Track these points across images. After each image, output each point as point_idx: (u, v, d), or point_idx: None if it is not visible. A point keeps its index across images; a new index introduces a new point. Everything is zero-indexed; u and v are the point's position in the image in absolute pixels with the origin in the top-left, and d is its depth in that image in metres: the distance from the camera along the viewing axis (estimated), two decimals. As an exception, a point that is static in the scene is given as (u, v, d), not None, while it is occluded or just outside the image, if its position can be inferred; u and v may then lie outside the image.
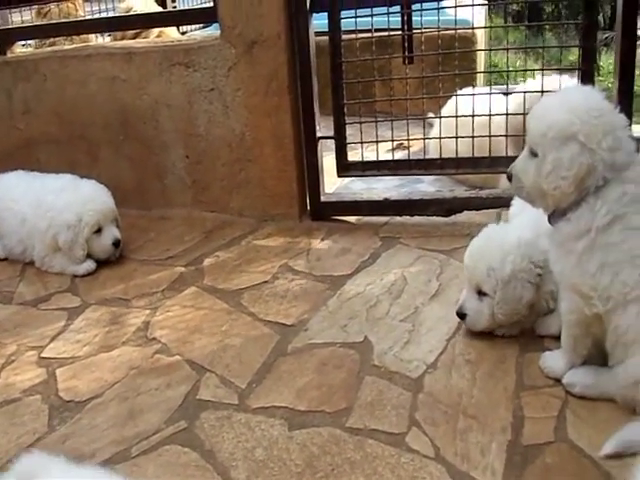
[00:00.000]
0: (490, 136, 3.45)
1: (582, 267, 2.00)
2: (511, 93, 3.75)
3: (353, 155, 3.73)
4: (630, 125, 2.29)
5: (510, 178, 2.22)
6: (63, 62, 4.07)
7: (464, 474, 1.89)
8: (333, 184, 4.00)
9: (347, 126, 3.64)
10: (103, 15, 5.85)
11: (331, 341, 2.58)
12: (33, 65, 4.15)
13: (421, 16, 3.55)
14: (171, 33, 5.40)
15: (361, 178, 4.03)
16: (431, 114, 4.08)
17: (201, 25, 6.61)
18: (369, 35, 3.53)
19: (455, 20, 3.59)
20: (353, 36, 3.54)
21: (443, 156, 3.60)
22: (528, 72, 3.83)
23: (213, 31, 4.67)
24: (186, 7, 6.58)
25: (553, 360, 2.24)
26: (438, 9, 3.45)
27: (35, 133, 4.23)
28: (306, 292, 2.97)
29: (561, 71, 3.54)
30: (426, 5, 3.54)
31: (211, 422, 2.20)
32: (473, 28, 4.66)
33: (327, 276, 3.09)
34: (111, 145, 4.07)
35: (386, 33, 3.61)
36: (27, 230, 3.46)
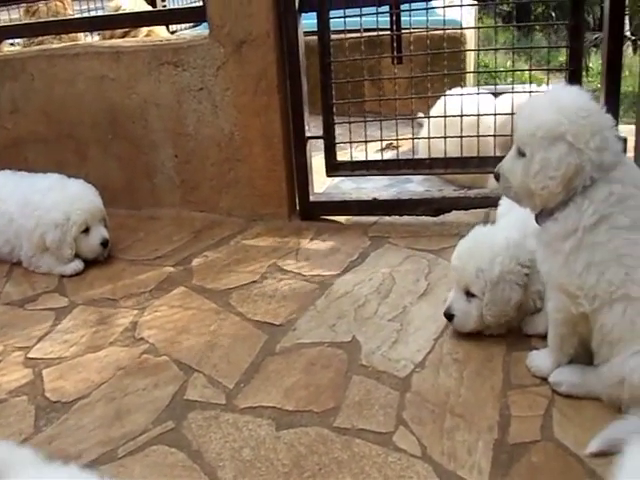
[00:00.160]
0: (479, 136, 3.46)
1: (569, 267, 2.01)
2: (500, 94, 3.76)
3: (342, 155, 3.73)
4: (617, 125, 2.30)
5: (498, 178, 2.23)
6: (51, 61, 4.05)
7: (451, 473, 1.89)
8: (323, 184, 4.00)
9: (336, 126, 3.64)
10: (92, 14, 5.84)
11: (319, 341, 2.58)
12: (21, 64, 4.12)
13: (410, 16, 3.55)
14: (160, 32, 5.38)
15: (350, 178, 4.03)
16: (420, 114, 4.08)
17: (191, 24, 6.59)
18: (358, 35, 3.54)
19: (444, 20, 3.60)
20: (342, 36, 3.54)
21: (432, 156, 3.61)
22: (517, 72, 3.84)
23: (203, 30, 4.66)
24: (176, 6, 6.56)
25: (540, 359, 2.25)
26: (427, 9, 3.46)
27: (23, 132, 4.21)
28: (295, 292, 2.97)
29: (550, 72, 3.55)
30: (415, 5, 3.55)
31: (198, 422, 2.20)
32: (462, 28, 4.67)
33: (316, 276, 3.09)
34: (100, 144, 4.06)
35: (375, 33, 3.61)
36: (14, 230, 3.44)
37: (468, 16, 6.54)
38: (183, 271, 3.28)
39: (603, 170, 1.98)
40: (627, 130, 3.42)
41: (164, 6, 6.46)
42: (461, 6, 3.62)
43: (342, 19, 3.49)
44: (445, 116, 3.53)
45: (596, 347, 2.05)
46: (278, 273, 3.16)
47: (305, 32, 3.61)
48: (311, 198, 3.73)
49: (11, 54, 4.38)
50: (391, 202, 3.64)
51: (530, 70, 3.55)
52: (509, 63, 5.69)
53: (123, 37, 5.10)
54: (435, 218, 3.54)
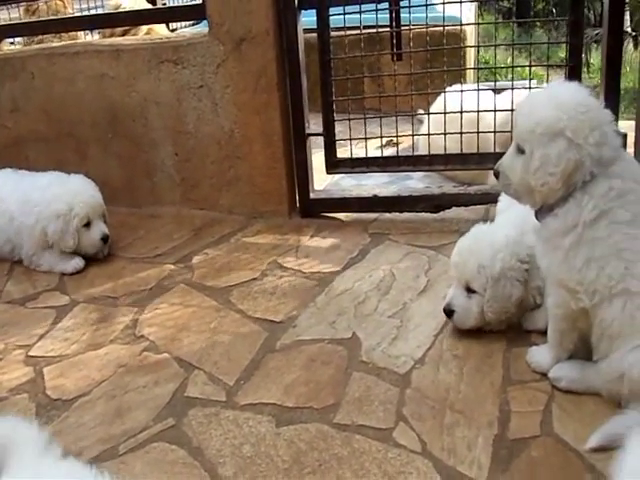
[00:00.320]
0: (478, 132, 3.46)
1: (569, 262, 2.01)
2: (500, 90, 3.75)
3: (342, 152, 3.73)
4: (617, 121, 2.30)
5: (497, 175, 2.22)
6: (51, 60, 4.06)
7: (451, 469, 1.90)
8: (323, 181, 4.00)
9: (336, 123, 3.64)
10: (92, 12, 5.85)
11: (319, 337, 2.59)
12: (21, 63, 4.13)
13: (409, 13, 3.55)
14: (160, 30, 5.38)
15: (350, 175, 4.04)
16: (420, 111, 4.08)
17: (191, 22, 6.59)
18: (358, 32, 3.54)
19: (444, 17, 3.59)
20: (342, 33, 3.54)
21: (432, 153, 3.61)
22: (517, 69, 3.83)
23: (202, 28, 4.66)
24: (175, 4, 6.56)
25: (540, 355, 2.25)
26: (426, 5, 3.45)
27: (23, 131, 4.22)
28: (295, 289, 2.97)
29: (549, 67, 3.55)
30: (415, 1, 3.54)
31: (199, 419, 2.20)
32: (462, 25, 4.66)
33: (316, 273, 3.09)
34: (100, 143, 4.06)
35: (375, 30, 3.61)
36: (15, 228, 3.44)
37: (468, 12, 6.54)
38: (183, 269, 3.29)
39: (602, 165, 1.98)
40: (627, 126, 3.42)
41: (164, 4, 6.46)
42: (461, 2, 3.60)
43: (342, 16, 3.49)
44: (445, 113, 3.53)
45: (596, 342, 2.05)
46: (278, 270, 3.16)
47: (305, 29, 3.60)
48: (311, 195, 3.73)
49: (11, 53, 4.38)
50: (391, 199, 3.64)
51: (530, 66, 3.55)
52: (509, 59, 5.70)
53: (123, 35, 5.11)
54: (435, 215, 3.54)
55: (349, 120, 3.62)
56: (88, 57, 3.96)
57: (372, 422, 2.10)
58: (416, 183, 4.07)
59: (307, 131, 3.67)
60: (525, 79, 3.81)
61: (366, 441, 2.03)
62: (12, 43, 5.07)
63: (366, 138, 3.64)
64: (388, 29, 3.65)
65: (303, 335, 2.62)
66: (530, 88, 3.26)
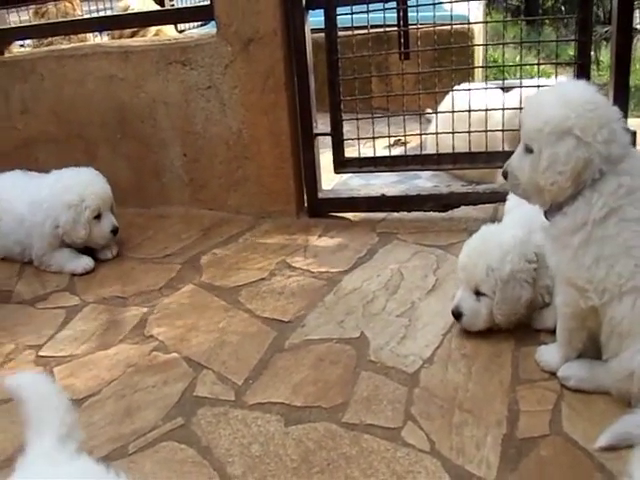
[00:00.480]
0: (487, 131, 3.45)
1: (578, 261, 2.00)
2: (508, 88, 3.74)
3: (350, 151, 3.73)
4: (626, 119, 2.29)
5: (506, 176, 2.21)
6: (60, 62, 4.08)
7: (459, 468, 1.89)
8: (331, 180, 4.00)
9: (344, 122, 3.64)
10: (101, 14, 5.87)
11: (328, 337, 2.59)
12: (30, 65, 4.15)
13: (417, 12, 3.55)
14: (168, 32, 5.40)
15: (358, 174, 4.04)
16: (428, 110, 4.08)
17: (199, 23, 6.61)
18: (365, 31, 3.54)
19: (451, 15, 3.59)
20: (349, 33, 3.54)
21: (440, 152, 3.60)
22: (526, 67, 3.82)
23: (210, 29, 4.67)
24: (183, 6, 6.58)
25: (549, 354, 2.24)
26: (434, 4, 3.45)
27: (33, 133, 4.24)
28: (303, 288, 2.98)
29: (558, 66, 3.54)
30: (422, 0, 3.54)
31: (208, 418, 2.21)
32: (470, 23, 4.66)
33: (324, 272, 3.10)
34: (109, 144, 4.08)
35: (382, 29, 3.61)
36: (25, 229, 3.46)
37: (476, 11, 6.52)
38: (192, 269, 3.30)
39: (611, 162, 1.97)
40: (637, 124, 3.41)
41: (172, 5, 6.49)
42: (469, 0, 3.60)
43: (349, 16, 3.49)
44: (453, 111, 3.52)
45: (605, 340, 2.04)
46: (287, 270, 3.17)
47: (312, 29, 3.61)
48: (319, 195, 3.74)
49: (21, 55, 4.41)
50: (399, 198, 3.64)
51: (539, 64, 3.53)
52: (518, 58, 5.68)
53: (132, 37, 5.13)
54: (443, 214, 3.53)
55: (357, 120, 3.62)
56: (97, 59, 3.98)
57: (380, 421, 2.10)
58: (424, 182, 4.07)
59: (315, 131, 3.67)
60: (534, 77, 3.79)
61: (374, 440, 2.03)
62: (22, 45, 5.10)
63: (374, 137, 3.64)
64: (396, 28, 3.65)
65: (311, 335, 2.62)
66: (539, 86, 3.24)
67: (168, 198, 4.04)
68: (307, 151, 3.68)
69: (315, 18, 3.61)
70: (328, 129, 3.67)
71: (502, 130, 3.44)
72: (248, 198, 3.82)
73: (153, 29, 5.30)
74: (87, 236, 3.38)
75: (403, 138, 3.86)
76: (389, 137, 3.72)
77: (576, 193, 2.01)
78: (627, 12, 3.21)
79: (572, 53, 4.75)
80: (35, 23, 5.18)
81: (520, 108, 3.13)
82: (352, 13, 3.48)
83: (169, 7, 6.22)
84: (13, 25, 4.58)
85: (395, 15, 3.59)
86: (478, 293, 2.43)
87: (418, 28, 3.60)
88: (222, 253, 3.43)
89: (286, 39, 3.55)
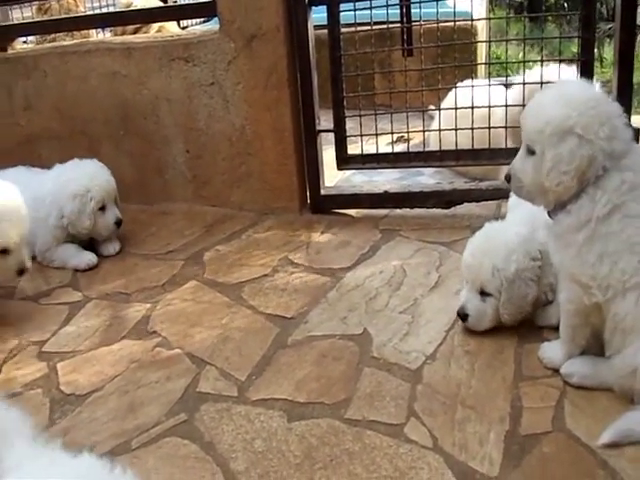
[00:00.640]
0: (490, 128, 3.44)
1: (582, 258, 2.00)
2: (511, 85, 3.74)
3: (353, 148, 3.73)
4: (630, 115, 2.28)
5: (509, 179, 2.21)
6: (63, 58, 4.08)
7: (462, 464, 1.89)
8: (334, 177, 4.00)
9: (347, 119, 3.64)
10: (103, 11, 5.87)
11: (330, 333, 2.59)
12: (33, 61, 4.15)
13: (420, 8, 3.54)
14: (171, 28, 5.40)
15: (361, 171, 4.04)
16: (431, 106, 4.07)
17: (202, 20, 6.61)
18: (368, 28, 3.53)
19: (454, 12, 3.58)
20: (352, 29, 3.54)
21: (443, 148, 3.60)
22: (529, 64, 3.81)
23: (213, 25, 4.67)
24: (186, 2, 6.58)
25: (552, 350, 2.24)
26: (437, 1, 3.44)
27: (36, 129, 4.25)
28: (306, 285, 2.98)
29: (561, 62, 3.53)
30: (425, -3, 3.54)
31: (211, 414, 2.21)
32: (472, 20, 4.64)
33: (327, 269, 3.10)
34: (112, 140, 4.08)
35: (385, 26, 3.61)
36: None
37: (479, 7, 6.51)
38: (195, 265, 3.30)
39: (614, 158, 1.97)
40: (640, 121, 3.40)
41: (175, 2, 6.49)
42: (472, -3, 3.59)
43: (352, 12, 3.48)
44: (456, 108, 3.52)
45: (608, 337, 2.04)
46: (289, 266, 3.17)
47: (315, 26, 3.60)
48: (322, 192, 3.74)
49: (24, 52, 4.41)
50: (402, 195, 3.63)
51: (542, 61, 3.52)
52: (520, 54, 5.68)
53: (134, 33, 5.14)
54: (446, 210, 3.53)
55: (360, 116, 3.63)
56: (100, 55, 3.98)
57: (383, 417, 2.11)
58: (427, 179, 4.07)
59: (318, 127, 3.67)
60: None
61: (377, 436, 2.03)
62: (25, 42, 5.10)
63: (377, 134, 3.64)
64: (399, 25, 3.65)
65: (314, 331, 2.62)
66: (542, 83, 3.23)
67: (171, 194, 4.04)
68: (310, 148, 3.68)
69: (318, 14, 3.60)
70: (331, 126, 3.67)
71: (505, 127, 3.43)
72: (251, 195, 3.82)
73: (155, 26, 5.30)
74: (92, 227, 3.40)
75: (406, 135, 3.86)
76: (392, 134, 3.71)
77: (579, 191, 2.01)
78: (631, 8, 3.20)
79: (575, 50, 4.75)
80: (38, 20, 5.18)
81: (523, 105, 3.12)
82: (355, 9, 3.48)
83: (172, 4, 6.22)
84: (16, 22, 4.58)
85: (398, 11, 3.59)
86: (483, 293, 2.42)
87: (421, 25, 3.59)
88: (225, 249, 3.44)
89: (289, 35, 3.55)
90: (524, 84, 3.43)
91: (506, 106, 3.43)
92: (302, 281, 3.02)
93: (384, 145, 3.81)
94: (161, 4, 5.77)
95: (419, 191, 3.62)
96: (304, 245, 3.37)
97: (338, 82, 3.57)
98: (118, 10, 5.35)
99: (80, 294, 3.16)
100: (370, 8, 3.47)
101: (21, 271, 2.93)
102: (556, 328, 2.28)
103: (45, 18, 5.21)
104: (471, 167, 3.82)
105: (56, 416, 2.29)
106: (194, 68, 3.75)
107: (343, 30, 3.53)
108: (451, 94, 3.87)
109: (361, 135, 3.64)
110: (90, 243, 3.53)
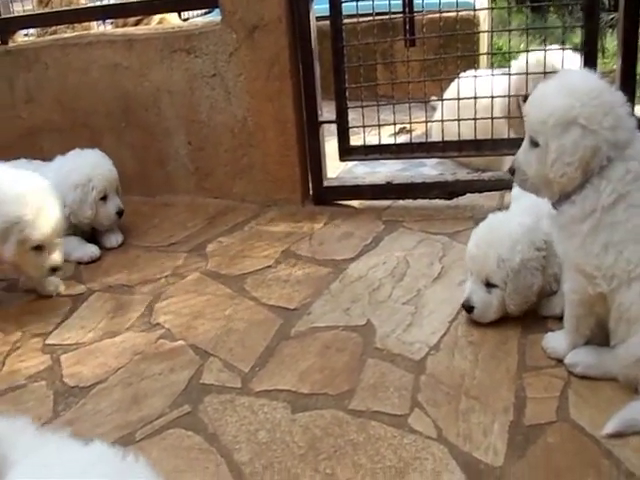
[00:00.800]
0: (492, 118, 3.43)
1: (586, 248, 1.99)
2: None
3: (355, 139, 3.72)
4: (633, 106, 2.26)
5: (513, 172, 2.20)
6: (64, 50, 4.07)
7: (466, 454, 1.89)
8: (336, 168, 3.99)
9: (349, 110, 3.63)
10: (105, 3, 5.84)
11: (334, 324, 2.59)
12: (34, 54, 4.14)
13: (422, -2, 3.53)
14: (172, 20, 5.38)
15: (364, 162, 4.03)
16: (433, 97, 4.06)
17: (204, 11, 6.58)
18: (370, 18, 3.52)
19: (457, 2, 3.56)
20: (354, 20, 3.52)
21: (445, 139, 3.58)
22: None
23: (215, 17, 4.65)
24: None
25: (555, 341, 2.24)
26: (439, -9, 3.43)
27: (38, 122, 4.24)
28: (309, 276, 2.97)
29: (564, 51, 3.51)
30: (427, -13, 3.52)
31: (214, 406, 2.21)
32: (475, 10, 4.62)
33: (330, 260, 3.09)
34: (113, 132, 4.08)
35: (387, 16, 3.59)
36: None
37: (481, -2, 6.47)
38: (198, 257, 3.30)
39: (619, 148, 1.96)
40: (644, 110, 3.37)
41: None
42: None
43: (354, 3, 3.46)
44: (459, 99, 3.50)
45: (613, 327, 2.03)
46: (292, 258, 3.16)
47: (317, 17, 3.59)
48: (324, 183, 3.73)
49: (25, 44, 4.40)
50: (404, 186, 3.62)
51: (545, 50, 3.50)
52: (522, 45, 5.64)
53: (136, 25, 5.12)
54: (449, 201, 3.52)
55: (362, 107, 3.61)
56: (101, 47, 3.97)
57: (387, 408, 2.10)
58: (429, 170, 4.06)
59: (320, 119, 3.66)
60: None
61: (381, 427, 2.03)
62: (26, 35, 5.08)
63: (379, 125, 3.62)
64: (401, 15, 3.63)
65: (317, 322, 2.62)
66: (545, 73, 3.21)
67: (173, 186, 4.03)
68: (312, 139, 3.67)
69: (320, 5, 3.58)
70: (333, 117, 3.66)
71: (508, 117, 3.42)
72: (253, 186, 3.82)
73: (157, 17, 5.28)
74: (93, 217, 3.40)
75: (408, 126, 3.84)
76: (394, 125, 3.70)
77: (584, 181, 2.00)
78: (634, -1, 3.18)
79: (576, 41, 4.72)
80: (39, 12, 5.15)
81: (525, 96, 3.11)
82: (357, 0, 3.46)
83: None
84: (17, 14, 4.56)
85: (400, 2, 3.56)
86: (488, 284, 2.41)
87: (424, 15, 3.58)
88: (228, 241, 3.43)
89: (291, 26, 3.53)
90: (527, 74, 3.41)
91: (509, 96, 3.42)
92: (305, 272, 3.01)
93: (387, 136, 3.80)
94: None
95: (422, 182, 3.61)
96: (307, 236, 3.37)
97: (340, 73, 3.56)
98: (119, 2, 5.32)
99: (83, 286, 3.16)
100: (372, -1, 3.45)
101: (54, 268, 2.96)
102: (560, 318, 2.28)
103: (46, 10, 5.19)
104: (474, 158, 3.80)
105: (60, 408, 2.29)
106: (196, 60, 3.74)
107: (345, 21, 3.51)
108: (453, 84, 3.86)
109: (363, 126, 3.63)
110: (92, 235, 3.53)
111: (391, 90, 3.64)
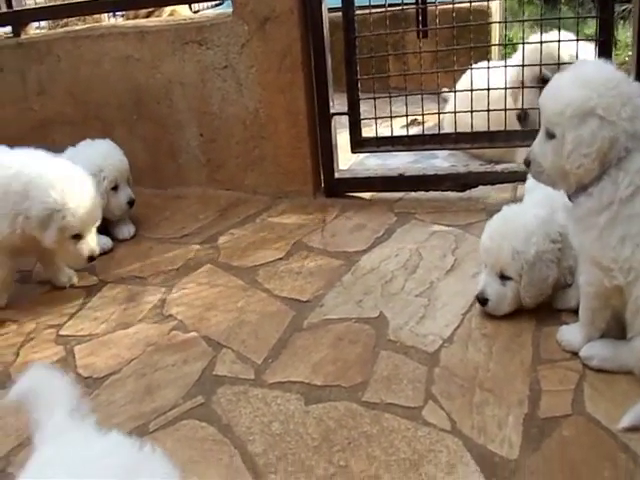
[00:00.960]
0: (506, 110, 3.41)
1: (603, 240, 1.97)
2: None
3: (367, 131, 3.70)
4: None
5: (528, 164, 2.17)
6: (76, 42, 4.07)
7: (481, 447, 1.89)
8: (348, 160, 3.98)
9: (361, 102, 3.62)
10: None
11: (346, 316, 2.58)
12: (46, 46, 4.15)
13: (435, -11, 3.50)
14: (183, 12, 5.38)
15: (375, 154, 4.01)
16: (445, 89, 4.03)
17: (215, 3, 6.57)
18: (383, 10, 3.50)
19: (470, -7, 3.54)
20: (367, 11, 3.50)
21: (458, 131, 3.57)
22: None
23: (226, 9, 4.64)
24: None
25: (571, 333, 2.22)
26: (452, -19, 3.41)
27: (50, 114, 4.25)
28: (321, 268, 2.97)
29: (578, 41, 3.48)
30: (440, -22, 3.50)
31: (228, 397, 2.21)
32: (488, 0, 4.59)
33: (342, 252, 3.09)
34: (125, 125, 4.08)
35: (400, 7, 3.57)
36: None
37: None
38: (210, 249, 3.30)
39: (637, 139, 1.94)
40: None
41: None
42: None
43: (366, -6, 3.45)
44: (471, 90, 3.48)
45: (630, 319, 2.01)
46: (304, 250, 3.16)
47: (329, 8, 3.57)
48: (336, 175, 3.72)
49: (37, 37, 4.41)
50: (417, 178, 3.61)
51: (559, 41, 3.47)
52: (532, 37, 5.59)
53: (147, 17, 5.12)
54: (461, 193, 3.51)
55: (374, 99, 3.60)
56: (113, 39, 3.97)
57: (401, 400, 2.10)
58: (442, 162, 4.04)
59: (332, 110, 3.65)
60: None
61: (395, 419, 2.02)
62: (38, 27, 5.09)
63: (391, 117, 3.61)
64: (413, 6, 3.60)
65: (330, 314, 2.62)
66: (559, 64, 3.19)
67: (185, 179, 4.04)
68: (324, 131, 3.66)
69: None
70: (345, 108, 3.64)
71: (522, 109, 3.39)
72: (265, 178, 3.81)
73: (168, 9, 5.28)
74: (104, 207, 3.40)
75: (420, 117, 3.82)
76: (406, 116, 3.68)
77: (601, 173, 1.97)
78: (650, -12, 3.15)
79: (588, 32, 4.67)
80: (51, 4, 5.15)
81: (541, 86, 3.08)
82: (369, -9, 3.45)
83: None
84: (29, 7, 4.57)
85: (413, -7, 3.55)
86: (503, 277, 2.40)
87: (436, 6, 3.55)
88: (239, 233, 3.43)
89: (303, 18, 3.52)
90: (540, 65, 3.38)
91: (522, 87, 3.39)
92: (317, 264, 3.01)
93: (398, 128, 3.79)
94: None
95: (434, 174, 3.59)
96: (319, 228, 3.36)
97: (352, 65, 3.54)
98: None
99: (96, 278, 3.17)
100: (385, -11, 3.44)
101: (91, 257, 2.97)
102: (575, 311, 2.26)
103: (57, 3, 5.19)
104: (487, 150, 3.78)
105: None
106: (207, 51, 3.73)
107: (357, 12, 3.49)
108: (466, 76, 3.83)
109: (375, 118, 3.61)
110: (105, 227, 3.53)
111: (403, 82, 3.62)
